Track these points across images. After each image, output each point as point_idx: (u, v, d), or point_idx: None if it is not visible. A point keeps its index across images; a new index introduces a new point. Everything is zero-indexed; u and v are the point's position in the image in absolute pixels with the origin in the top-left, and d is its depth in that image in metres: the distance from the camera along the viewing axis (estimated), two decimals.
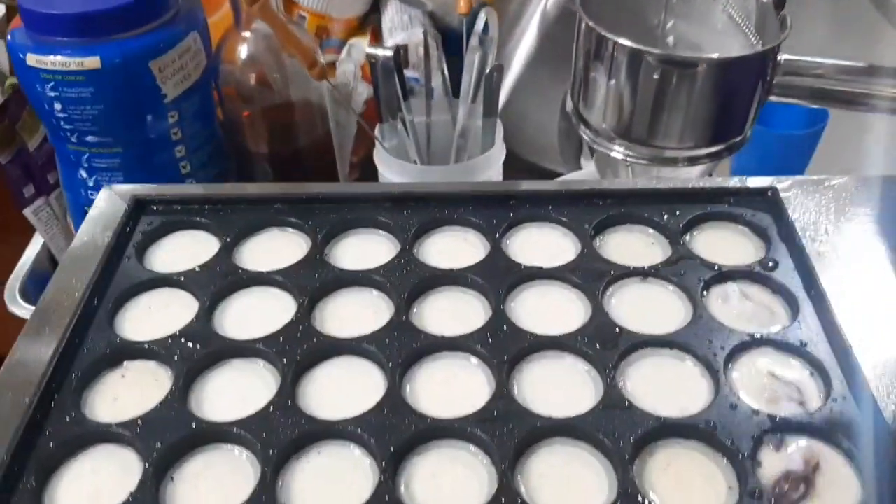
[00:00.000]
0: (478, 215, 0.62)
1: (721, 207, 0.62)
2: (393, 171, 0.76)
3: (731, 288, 0.56)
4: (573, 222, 0.61)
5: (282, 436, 0.47)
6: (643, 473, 0.46)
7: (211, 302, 0.56)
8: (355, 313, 0.56)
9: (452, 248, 0.61)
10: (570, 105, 0.78)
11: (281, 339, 0.53)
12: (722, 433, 0.47)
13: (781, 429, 0.47)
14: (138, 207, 0.63)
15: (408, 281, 0.57)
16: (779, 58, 0.67)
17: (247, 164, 0.85)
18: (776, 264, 0.57)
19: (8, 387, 0.49)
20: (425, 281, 0.57)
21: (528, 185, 0.65)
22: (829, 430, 0.47)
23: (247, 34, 0.78)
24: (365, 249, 0.61)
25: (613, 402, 0.49)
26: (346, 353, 0.53)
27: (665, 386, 0.50)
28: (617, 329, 0.53)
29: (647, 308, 0.55)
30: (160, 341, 0.53)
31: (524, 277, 0.57)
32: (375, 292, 0.57)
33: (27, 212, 0.84)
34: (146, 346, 0.53)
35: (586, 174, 0.91)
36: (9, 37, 0.72)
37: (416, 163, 0.79)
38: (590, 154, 0.90)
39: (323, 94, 0.84)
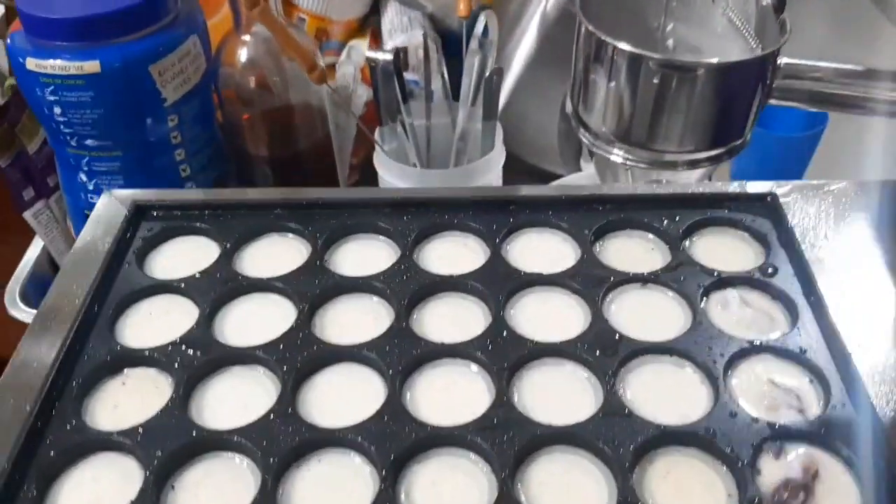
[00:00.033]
0: (478, 220, 0.62)
1: (721, 213, 0.62)
2: (393, 175, 0.76)
3: (731, 294, 0.56)
4: (573, 228, 0.61)
5: (282, 444, 0.47)
6: (643, 481, 0.46)
7: (211, 308, 0.56)
8: (355, 320, 0.56)
9: (452, 253, 0.61)
10: (569, 107, 0.78)
11: (281, 346, 0.53)
12: (721, 441, 0.47)
13: (781, 436, 0.47)
14: (138, 213, 0.63)
15: (408, 287, 0.57)
16: (778, 61, 0.68)
17: (246, 166, 0.85)
18: (776, 270, 0.57)
19: (9, 393, 0.49)
20: (425, 287, 0.57)
21: (527, 191, 0.65)
22: (828, 438, 0.47)
23: (246, 38, 0.78)
24: (365, 255, 0.61)
25: (613, 410, 0.49)
26: (346, 360, 0.53)
27: (665, 393, 0.50)
28: (617, 336, 0.53)
29: (646, 314, 0.56)
30: (160, 348, 0.53)
31: (524, 283, 0.57)
32: (375, 298, 0.57)
33: (27, 215, 0.84)
34: (147, 353, 0.53)
35: (586, 176, 0.91)
36: (8, 40, 0.72)
37: (415, 166, 0.79)
38: (589, 156, 0.90)
39: (323, 96, 0.84)
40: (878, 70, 0.68)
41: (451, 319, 0.56)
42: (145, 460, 0.47)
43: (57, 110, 0.72)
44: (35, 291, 0.84)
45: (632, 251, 0.60)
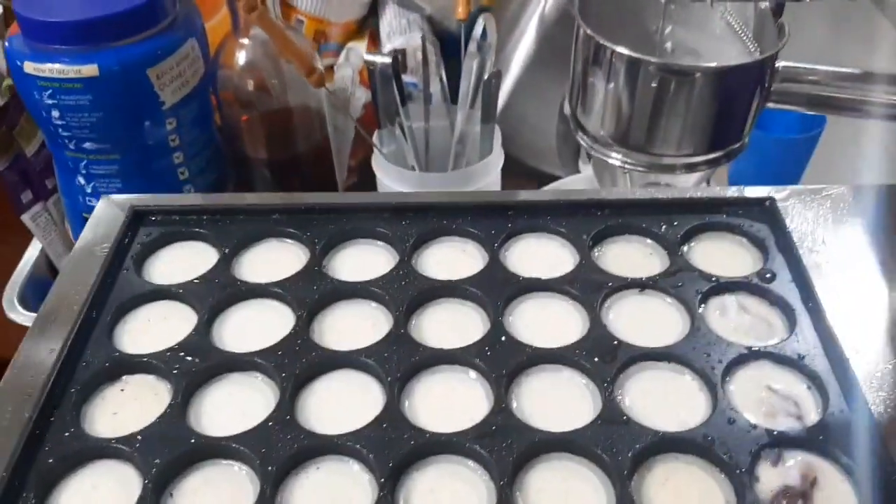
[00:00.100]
0: (476, 226, 0.62)
1: (719, 218, 0.62)
2: (391, 178, 0.76)
3: (729, 300, 0.56)
4: (571, 233, 0.61)
5: (281, 451, 0.47)
6: (641, 488, 0.46)
7: (209, 314, 0.56)
8: (354, 325, 0.56)
9: (451, 258, 0.61)
10: (568, 110, 0.78)
11: (279, 352, 0.53)
12: (720, 448, 0.47)
13: (779, 443, 0.47)
14: (136, 218, 0.63)
15: (406, 293, 0.57)
16: (776, 65, 0.68)
17: (245, 169, 0.85)
18: (774, 276, 0.57)
19: (8, 400, 0.49)
20: (424, 293, 0.57)
21: (526, 196, 0.65)
22: (826, 445, 0.47)
23: (245, 41, 0.78)
24: (363, 260, 0.61)
25: (611, 417, 0.49)
26: (344, 367, 0.53)
27: (663, 400, 0.51)
28: (615, 342, 0.53)
29: (645, 320, 0.56)
30: (159, 355, 0.53)
31: (522, 289, 0.57)
32: (374, 304, 0.57)
33: (25, 217, 0.84)
34: (145, 359, 0.53)
35: (584, 178, 0.91)
36: (6, 43, 0.72)
37: (414, 169, 0.79)
38: (587, 158, 0.90)
39: (321, 99, 0.84)
40: (876, 73, 0.68)
41: (449, 325, 0.56)
42: (144, 468, 0.47)
43: (55, 114, 0.72)
44: (33, 294, 0.84)
45: (630, 256, 0.60)
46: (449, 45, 0.91)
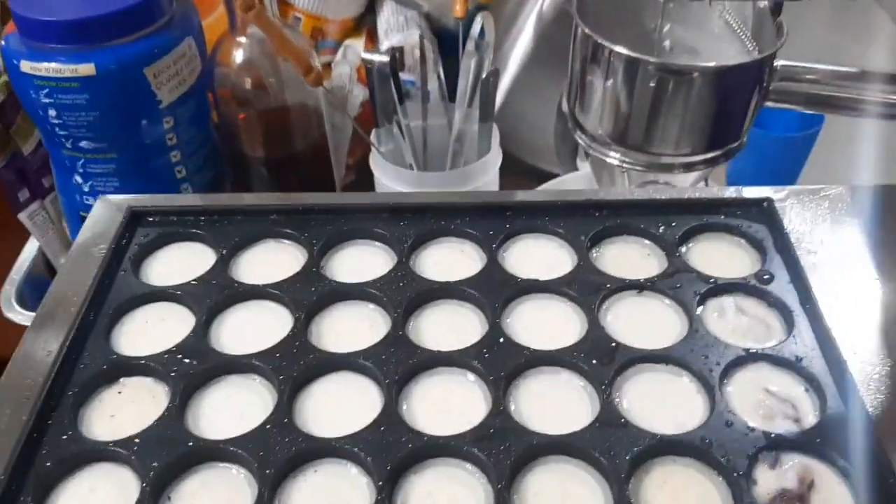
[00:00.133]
0: (474, 226, 0.62)
1: (717, 218, 0.62)
2: (389, 177, 0.76)
3: (727, 302, 0.56)
4: (569, 234, 0.61)
5: (279, 454, 0.47)
6: (639, 491, 0.46)
7: (207, 316, 0.56)
8: (352, 327, 0.56)
9: (449, 259, 0.61)
10: (565, 106, 0.78)
11: (277, 354, 0.53)
12: (717, 451, 0.47)
13: (776, 446, 0.47)
14: (134, 219, 0.63)
15: (404, 294, 0.57)
16: (775, 64, 0.67)
17: (242, 167, 0.85)
18: (772, 277, 0.57)
19: (6, 403, 0.49)
20: (422, 294, 0.57)
21: (524, 196, 0.65)
22: (823, 448, 0.47)
23: (242, 39, 0.78)
24: (361, 261, 0.61)
25: (609, 420, 0.49)
26: (342, 369, 0.53)
27: (661, 402, 0.51)
28: (613, 344, 0.53)
29: (643, 322, 0.56)
30: (156, 357, 0.53)
31: (520, 291, 0.57)
32: (372, 305, 0.57)
33: (22, 216, 0.84)
34: (143, 361, 0.53)
35: (582, 175, 0.91)
36: (2, 41, 0.72)
37: (412, 167, 0.79)
38: (585, 156, 0.90)
39: (319, 97, 0.84)
40: (874, 72, 0.68)
41: (447, 327, 0.56)
42: (142, 471, 0.47)
43: (52, 113, 0.71)
44: (30, 293, 0.84)
45: (628, 257, 0.60)
46: (447, 42, 0.91)
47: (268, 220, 0.63)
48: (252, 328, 0.56)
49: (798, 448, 0.48)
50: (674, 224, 0.62)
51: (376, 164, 0.77)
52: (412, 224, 0.62)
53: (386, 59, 0.73)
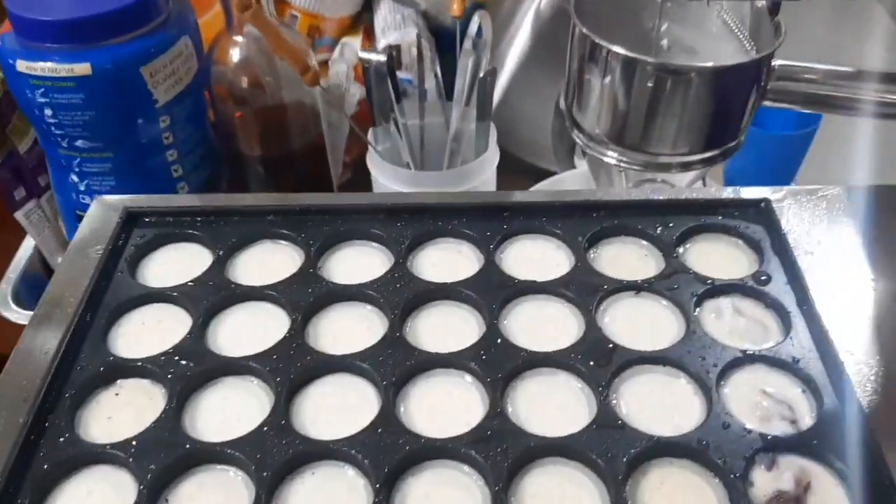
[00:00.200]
0: (472, 227, 0.62)
1: (714, 219, 0.62)
2: (386, 176, 0.76)
3: (724, 303, 0.56)
4: (567, 234, 0.61)
5: (276, 457, 0.47)
6: (636, 493, 0.46)
7: (204, 318, 0.56)
8: (349, 328, 0.56)
9: (446, 260, 0.60)
10: (563, 105, 0.78)
11: (274, 356, 0.53)
12: (714, 452, 0.47)
13: (773, 448, 0.48)
14: (130, 220, 0.62)
15: (401, 295, 0.57)
16: (773, 63, 0.67)
17: (239, 166, 0.85)
18: (769, 278, 0.57)
19: (2, 405, 0.49)
20: (419, 295, 0.57)
21: (521, 197, 0.65)
22: (820, 450, 0.47)
23: (238, 38, 0.77)
24: (359, 262, 0.61)
25: (606, 421, 0.49)
26: (339, 371, 0.53)
27: (658, 404, 0.51)
28: (610, 345, 0.53)
29: (640, 323, 0.56)
30: (153, 359, 0.53)
31: (518, 292, 0.57)
32: (369, 307, 0.57)
33: (18, 215, 0.83)
34: (140, 364, 0.53)
35: (580, 174, 0.91)
36: None
37: (409, 166, 0.79)
38: (582, 154, 0.90)
39: (316, 95, 0.84)
40: (872, 72, 0.68)
41: (445, 328, 0.56)
42: (139, 474, 0.47)
43: (48, 112, 0.71)
44: (27, 292, 0.84)
45: (626, 258, 0.60)
46: (444, 40, 0.91)
47: (264, 220, 0.63)
48: (249, 330, 0.56)
49: (795, 450, 0.48)
50: (671, 225, 0.62)
51: (373, 162, 0.77)
52: (409, 225, 0.62)
53: (383, 58, 0.72)
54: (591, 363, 0.52)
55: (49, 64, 0.68)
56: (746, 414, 0.50)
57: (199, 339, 0.54)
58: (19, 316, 0.81)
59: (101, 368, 0.52)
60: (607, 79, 0.68)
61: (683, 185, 0.75)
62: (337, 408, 0.51)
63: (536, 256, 0.61)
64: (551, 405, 0.51)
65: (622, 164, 0.72)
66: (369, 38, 0.94)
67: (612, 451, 0.47)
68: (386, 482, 0.46)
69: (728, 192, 0.63)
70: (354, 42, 0.93)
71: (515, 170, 0.92)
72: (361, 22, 0.96)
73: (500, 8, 0.96)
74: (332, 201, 0.66)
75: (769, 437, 0.48)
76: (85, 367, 0.52)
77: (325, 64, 0.92)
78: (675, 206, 0.63)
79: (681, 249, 0.61)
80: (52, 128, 0.72)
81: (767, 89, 0.69)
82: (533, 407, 0.50)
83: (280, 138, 0.84)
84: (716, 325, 0.55)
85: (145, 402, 0.51)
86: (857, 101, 0.69)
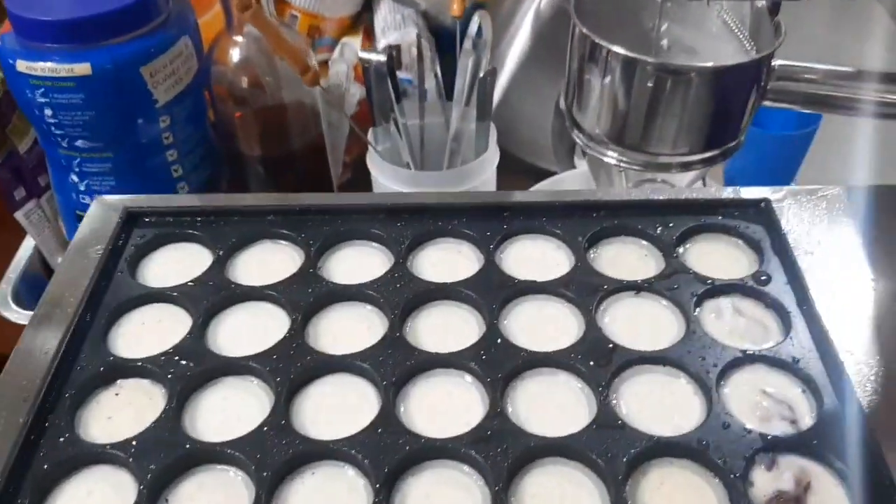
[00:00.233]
0: (472, 227, 0.62)
1: (714, 219, 0.62)
2: (386, 176, 0.76)
3: (724, 303, 0.56)
4: (567, 234, 0.61)
5: (276, 457, 0.47)
6: (636, 493, 0.46)
7: (204, 318, 0.56)
8: (349, 328, 0.56)
9: (446, 260, 0.60)
10: (563, 105, 0.78)
11: (274, 356, 0.53)
12: (714, 452, 0.47)
13: (773, 448, 0.48)
14: (130, 220, 0.62)
15: (401, 295, 0.57)
16: (773, 63, 0.67)
17: (239, 166, 0.85)
18: (769, 278, 0.57)
19: (2, 405, 0.49)
20: (419, 295, 0.57)
21: (521, 197, 0.65)
22: (820, 450, 0.47)
23: (239, 38, 0.77)
24: (359, 262, 0.61)
25: (606, 422, 0.49)
26: (339, 371, 0.53)
27: (658, 404, 0.51)
28: (610, 345, 0.53)
29: (640, 323, 0.56)
30: (153, 359, 0.53)
31: (518, 292, 0.57)
32: (369, 307, 0.57)
33: (18, 215, 0.83)
34: (140, 364, 0.53)
35: (579, 173, 0.91)
36: None
37: (409, 166, 0.79)
38: (582, 154, 0.90)
39: (316, 95, 0.84)
40: (872, 72, 0.68)
41: (445, 328, 0.56)
42: (139, 474, 0.47)
43: (48, 112, 0.71)
44: (27, 292, 0.84)
45: (626, 258, 0.60)
46: (444, 40, 0.91)
47: (264, 220, 0.63)
48: (249, 330, 0.56)
49: (795, 450, 0.48)
50: (671, 225, 0.62)
51: (373, 163, 0.77)
52: (409, 225, 0.62)
53: (383, 58, 0.72)
54: (591, 363, 0.52)
55: (49, 64, 0.68)
56: (746, 414, 0.50)
57: (199, 339, 0.54)
58: (19, 316, 0.81)
59: (101, 368, 0.52)
60: (607, 79, 0.68)
61: (683, 184, 0.75)
62: (337, 408, 0.51)
63: (536, 256, 0.61)
64: (551, 405, 0.51)
65: (622, 165, 0.71)
66: (369, 38, 0.94)
67: (612, 451, 0.47)
68: (386, 482, 0.46)
69: (728, 193, 0.63)
70: (354, 42, 0.93)
71: (515, 170, 0.92)
72: (361, 22, 0.96)
73: (500, 8, 0.96)
74: (332, 201, 0.66)
75: (769, 437, 0.48)
76: (85, 367, 0.52)
77: (325, 64, 0.92)
78: (675, 206, 0.63)
79: (681, 249, 0.61)
80: (52, 128, 0.72)
81: (767, 89, 0.69)
82: (533, 407, 0.51)
83: (280, 138, 0.84)
84: (716, 325, 0.55)
85: (145, 402, 0.51)
86: (857, 102, 0.69)
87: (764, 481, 0.46)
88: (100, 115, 0.71)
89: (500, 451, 0.47)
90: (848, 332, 0.53)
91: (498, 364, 0.52)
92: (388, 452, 0.47)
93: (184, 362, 0.53)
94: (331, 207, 0.63)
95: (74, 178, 0.77)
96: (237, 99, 0.82)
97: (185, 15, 0.76)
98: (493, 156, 0.77)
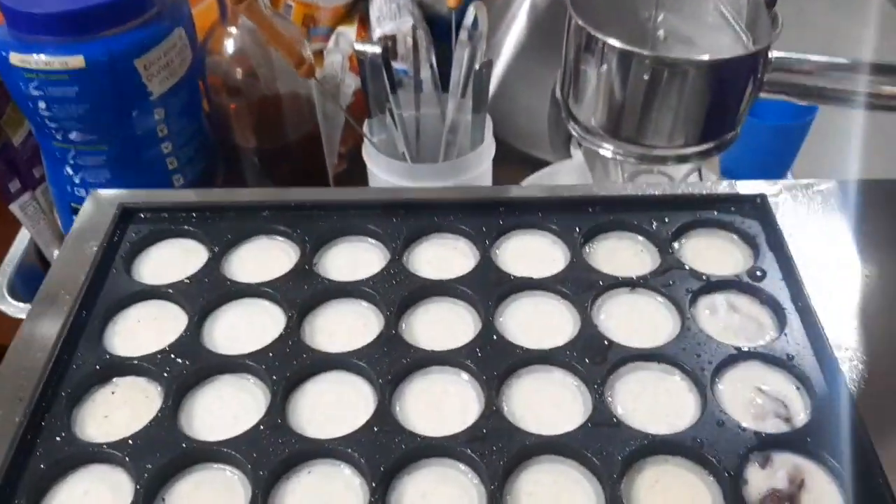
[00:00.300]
0: (468, 223, 0.62)
1: (710, 214, 0.62)
2: (382, 168, 0.75)
3: (719, 299, 0.56)
4: (563, 230, 0.61)
5: (272, 456, 0.47)
6: (631, 491, 0.47)
7: (200, 315, 0.56)
8: (345, 326, 0.56)
9: (442, 256, 0.60)
10: (559, 94, 0.77)
11: (270, 354, 0.53)
12: (709, 450, 0.47)
13: (767, 446, 0.48)
14: (125, 216, 0.62)
15: (397, 292, 0.57)
16: (770, 55, 0.67)
17: (234, 158, 0.84)
18: (764, 274, 0.57)
19: None
20: (415, 292, 0.57)
21: (517, 192, 0.65)
22: (814, 448, 0.48)
23: (233, 29, 0.77)
24: (354, 258, 0.61)
25: (602, 419, 0.49)
26: (335, 369, 0.53)
27: (653, 402, 0.51)
28: (605, 342, 0.53)
29: (635, 319, 0.56)
30: (149, 357, 0.53)
31: (514, 288, 0.57)
32: (365, 304, 0.57)
33: (13, 207, 0.83)
34: (136, 362, 0.53)
35: (575, 164, 0.91)
36: None
37: (404, 157, 0.78)
38: (578, 144, 0.90)
39: (311, 86, 0.83)
40: (869, 63, 0.68)
41: (441, 325, 0.56)
42: (135, 473, 0.47)
43: (41, 105, 0.71)
44: (22, 284, 0.84)
45: (621, 254, 0.60)
46: (439, 28, 0.91)
47: (260, 216, 0.63)
48: (245, 327, 0.56)
49: (789, 447, 0.48)
50: (667, 220, 0.62)
51: (369, 155, 0.77)
52: (405, 220, 0.62)
53: (378, 49, 0.72)
54: (587, 360, 0.52)
55: (42, 56, 0.68)
56: (741, 411, 0.50)
57: (194, 336, 0.54)
58: (15, 309, 0.81)
59: (97, 366, 0.52)
60: (603, 71, 0.67)
61: (679, 175, 0.75)
62: (333, 406, 0.51)
63: (532, 252, 0.61)
64: (547, 403, 0.51)
65: (618, 157, 0.71)
66: (364, 27, 0.94)
67: (608, 449, 0.47)
68: (382, 481, 0.46)
69: (724, 188, 0.64)
70: (349, 31, 0.92)
71: (512, 160, 0.92)
72: (356, 11, 0.96)
73: None
74: (327, 197, 0.66)
75: (763, 435, 0.48)
76: (81, 365, 0.53)
77: (319, 53, 0.91)
78: (670, 201, 0.63)
79: (676, 245, 0.61)
80: (47, 120, 0.72)
81: (764, 81, 0.68)
82: (529, 405, 0.51)
83: (275, 129, 0.84)
84: (710, 322, 0.55)
85: (141, 401, 0.51)
86: (853, 94, 0.68)
87: (758, 479, 0.47)
88: (94, 107, 0.71)
89: (496, 449, 0.47)
90: (842, 328, 0.53)
91: (494, 361, 0.52)
92: (385, 451, 0.47)
93: (180, 360, 0.53)
94: (326, 203, 0.63)
95: (69, 170, 0.76)
96: (232, 90, 0.81)
97: (179, 6, 0.75)
98: (489, 147, 0.77)
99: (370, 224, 0.62)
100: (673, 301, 0.56)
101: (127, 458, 0.47)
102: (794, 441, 0.48)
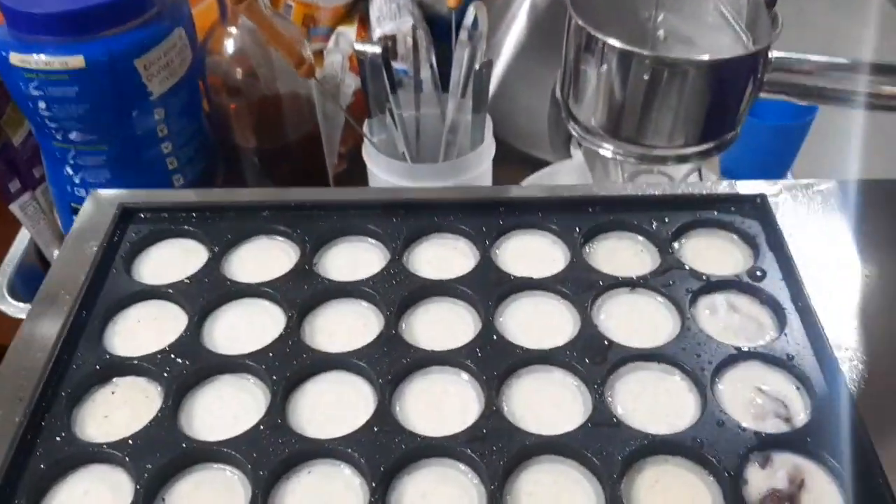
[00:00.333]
0: (468, 223, 0.62)
1: (710, 214, 0.62)
2: (382, 168, 0.75)
3: (719, 299, 0.56)
4: (563, 230, 0.61)
5: (272, 456, 0.47)
6: (631, 491, 0.47)
7: (200, 315, 0.56)
8: (345, 326, 0.56)
9: (442, 256, 0.60)
10: (559, 94, 0.77)
11: (270, 354, 0.53)
12: (709, 450, 0.47)
13: (767, 446, 0.48)
14: (126, 216, 0.62)
15: (397, 292, 0.57)
16: (769, 55, 0.67)
17: (234, 158, 0.84)
18: (764, 274, 0.57)
19: None
20: (415, 292, 0.57)
21: (517, 192, 0.65)
22: (814, 447, 0.48)
23: (233, 29, 0.77)
24: (354, 258, 0.61)
25: (602, 419, 0.49)
26: (335, 369, 0.53)
27: (653, 402, 0.51)
28: (605, 342, 0.53)
29: (635, 319, 0.56)
30: (149, 357, 0.53)
31: (514, 288, 0.57)
32: (365, 304, 0.57)
33: (13, 207, 0.83)
34: (136, 362, 0.53)
35: (575, 163, 0.91)
36: None
37: (404, 157, 0.78)
38: (578, 144, 0.90)
39: (311, 86, 0.83)
40: (869, 63, 0.68)
41: (441, 325, 0.56)
42: (135, 473, 0.47)
43: (41, 105, 0.71)
44: (22, 284, 0.84)
45: (621, 254, 0.60)
46: (439, 28, 0.91)
47: (260, 216, 0.63)
48: (245, 327, 0.56)
49: (789, 447, 0.48)
50: (667, 220, 0.62)
51: (369, 155, 0.77)
52: (405, 220, 0.62)
53: (378, 49, 0.72)
54: (587, 360, 0.52)
55: (42, 56, 0.68)
56: (741, 411, 0.50)
57: (194, 336, 0.54)
58: (15, 309, 0.81)
59: (97, 366, 0.52)
60: (603, 71, 0.67)
61: (679, 175, 0.75)
62: (333, 406, 0.51)
63: (532, 252, 0.61)
64: (547, 403, 0.51)
65: (618, 157, 0.71)
66: (364, 27, 0.94)
67: (608, 448, 0.47)
68: (382, 481, 0.46)
69: (724, 188, 0.64)
70: (349, 31, 0.93)
71: (512, 160, 0.92)
72: (356, 10, 0.96)
73: None
74: (327, 197, 0.66)
75: (763, 436, 0.48)
76: (81, 365, 0.53)
77: (319, 53, 0.91)
78: (670, 201, 0.63)
79: (676, 245, 0.61)
80: (47, 120, 0.72)
81: (764, 81, 0.68)
82: (529, 405, 0.51)
83: (275, 129, 0.84)
84: (710, 322, 0.55)
85: (141, 401, 0.51)
86: (853, 94, 0.68)
87: (758, 479, 0.47)
88: (94, 107, 0.71)
89: (496, 449, 0.47)
90: (842, 328, 0.53)
91: (494, 361, 0.52)
92: (385, 451, 0.47)
93: (180, 360, 0.53)
94: (326, 203, 0.63)
95: (69, 170, 0.76)
96: (232, 90, 0.81)
97: (179, 6, 0.75)
98: (489, 147, 0.77)
99: (370, 224, 0.62)
100: (673, 301, 0.56)
101: (127, 458, 0.47)
102: (794, 441, 0.48)
